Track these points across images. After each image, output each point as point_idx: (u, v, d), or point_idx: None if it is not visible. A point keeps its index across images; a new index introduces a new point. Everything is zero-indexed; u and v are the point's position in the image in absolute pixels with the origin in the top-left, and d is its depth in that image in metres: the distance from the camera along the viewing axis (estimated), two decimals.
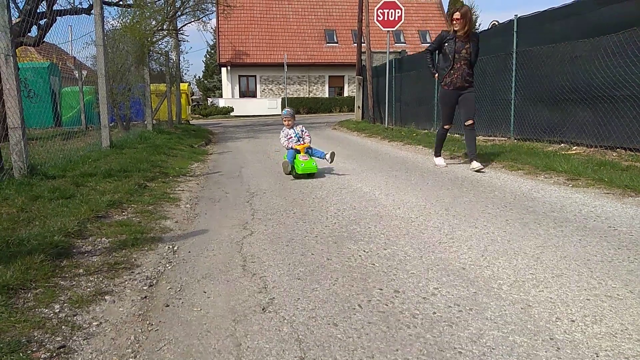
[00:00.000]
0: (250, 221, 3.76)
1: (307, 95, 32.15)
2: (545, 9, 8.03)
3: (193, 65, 43.72)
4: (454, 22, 6.00)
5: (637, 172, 4.88)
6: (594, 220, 3.44)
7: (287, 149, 5.94)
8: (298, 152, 5.78)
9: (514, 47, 8.58)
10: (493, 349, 1.75)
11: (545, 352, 1.71)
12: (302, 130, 6.08)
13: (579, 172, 5.19)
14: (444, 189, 4.83)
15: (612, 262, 2.59)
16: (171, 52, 15.25)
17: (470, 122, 6.02)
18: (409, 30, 33.26)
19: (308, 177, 5.66)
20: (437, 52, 6.35)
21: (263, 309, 2.15)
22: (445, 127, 6.43)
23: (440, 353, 1.73)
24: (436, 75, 6.35)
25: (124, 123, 10.89)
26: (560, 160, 5.94)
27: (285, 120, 6.06)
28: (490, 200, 4.24)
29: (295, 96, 31.53)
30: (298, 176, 5.68)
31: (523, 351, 1.72)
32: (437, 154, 6.67)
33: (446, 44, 6.02)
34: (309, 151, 5.88)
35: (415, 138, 10.21)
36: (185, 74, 40.11)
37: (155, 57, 13.23)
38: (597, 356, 1.67)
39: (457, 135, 10.17)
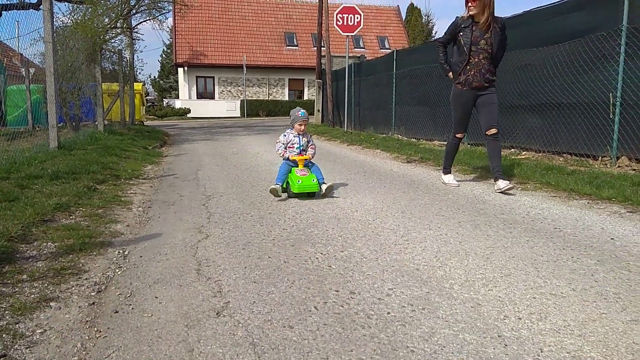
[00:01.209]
0: (205, 224, 3.69)
1: (267, 98, 32.01)
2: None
3: (148, 65, 42.94)
4: (470, 5, 4.73)
5: (581, 176, 5.14)
6: (541, 222, 3.59)
7: (282, 158, 4.79)
8: (295, 165, 4.65)
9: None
10: (444, 347, 1.79)
11: (494, 349, 1.77)
12: (309, 142, 4.85)
13: (528, 176, 5.41)
14: (401, 192, 4.92)
15: (557, 261, 2.71)
16: (125, 50, 14.82)
17: (493, 130, 4.88)
18: (368, 35, 33.76)
19: (307, 196, 4.55)
20: (451, 44, 5.08)
21: (217, 314, 2.12)
22: (458, 135, 5.24)
23: (393, 352, 1.76)
24: (450, 73, 5.08)
25: (74, 123, 10.46)
26: (510, 164, 6.17)
27: (298, 124, 4.73)
28: (444, 203, 4.35)
29: (254, 98, 31.32)
30: (294, 195, 4.57)
31: (472, 348, 1.77)
32: (447, 169, 5.41)
33: (461, 33, 4.78)
34: (309, 165, 4.75)
35: (373, 142, 10.34)
36: (140, 73, 39.02)
37: (108, 56, 12.80)
38: (542, 352, 1.74)
39: (440, 143, 10.38)
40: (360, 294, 2.30)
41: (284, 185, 4.68)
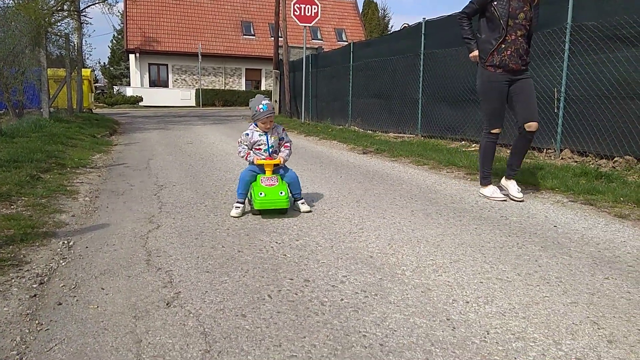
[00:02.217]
0: (157, 214, 3.59)
1: (223, 88, 31.44)
2: (451, 13, 8.53)
3: (97, 50, 41.12)
4: None
5: (526, 168, 5.35)
6: (489, 211, 3.72)
7: (248, 161, 3.66)
8: (261, 171, 3.60)
9: (422, 49, 9.03)
10: (395, 330, 1.82)
11: (442, 331, 1.82)
12: (282, 139, 3.74)
13: (477, 167, 5.57)
14: (356, 182, 4.96)
15: (503, 248, 2.81)
16: (72, 34, 14.12)
17: (533, 126, 4.03)
18: (325, 27, 33.73)
19: (278, 214, 3.51)
20: (477, 16, 4.11)
21: (167, 304, 2.06)
22: (494, 131, 4.16)
23: (345, 337, 1.77)
24: (474, 52, 4.11)
25: (17, 110, 9.91)
26: (461, 156, 6.36)
27: (261, 120, 3.56)
28: (398, 192, 4.43)
29: (210, 88, 30.68)
30: (257, 213, 3.52)
31: (422, 332, 1.81)
32: (486, 179, 4.28)
33: (495, 3, 3.87)
34: (281, 172, 3.65)
35: (330, 133, 10.38)
36: (88, 58, 37.38)
37: (54, 40, 12.16)
38: (488, 334, 1.81)
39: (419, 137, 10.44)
40: (315, 281, 2.31)
41: (252, 199, 3.55)
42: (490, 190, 4.21)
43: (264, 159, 3.59)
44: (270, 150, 3.63)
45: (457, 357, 1.64)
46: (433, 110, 8.86)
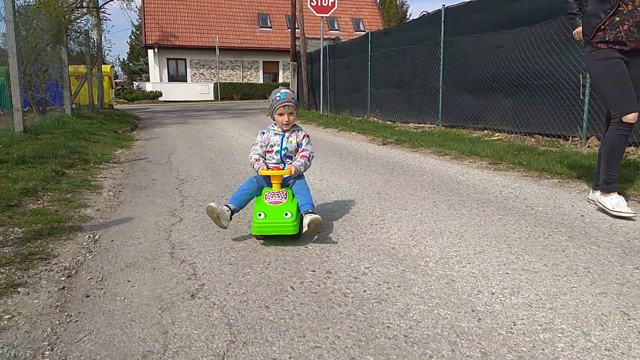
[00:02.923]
0: (179, 208, 3.63)
1: (241, 81, 31.55)
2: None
3: (116, 46, 41.68)
4: None
5: (552, 156, 5.25)
6: (513, 201, 3.66)
7: (255, 170, 2.92)
8: (268, 183, 2.89)
9: (442, 36, 8.89)
10: (419, 322, 1.81)
11: (467, 323, 1.80)
12: (299, 144, 2.96)
13: (501, 156, 5.50)
14: (376, 173, 4.93)
15: (529, 238, 2.76)
16: (91, 31, 14.32)
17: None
18: (342, 17, 33.49)
19: (285, 237, 2.76)
20: None
21: (192, 296, 2.09)
22: (628, 118, 3.08)
23: (369, 329, 1.76)
24: (578, 29, 3.39)
25: (40, 107, 10.11)
26: (483, 145, 6.26)
27: (278, 114, 2.90)
28: (419, 183, 4.38)
29: (228, 81, 30.83)
30: (260, 237, 2.81)
31: (447, 323, 1.80)
32: (610, 184, 3.29)
33: None
34: (290, 184, 2.91)
35: (349, 125, 10.33)
36: (108, 54, 37.87)
37: (74, 37, 12.35)
38: (515, 325, 1.78)
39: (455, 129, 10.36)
40: (337, 273, 2.30)
41: (252, 209, 2.85)
42: (614, 201, 3.18)
43: (271, 167, 2.85)
44: (283, 153, 2.87)
45: (483, 348, 1.62)
46: (454, 99, 8.73)
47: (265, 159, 2.91)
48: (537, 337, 1.69)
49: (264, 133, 2.95)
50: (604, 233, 2.82)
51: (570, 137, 6.30)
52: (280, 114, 2.86)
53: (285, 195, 2.76)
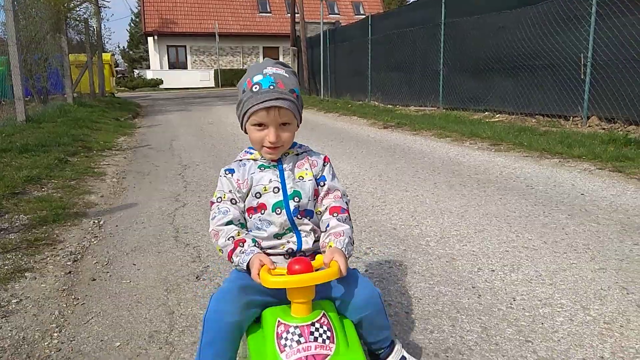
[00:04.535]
0: (182, 193, 3.65)
1: (242, 67, 31.38)
2: None
3: (116, 34, 41.34)
4: None
5: (553, 137, 5.24)
6: (514, 181, 3.67)
7: (234, 266, 1.21)
8: (281, 298, 1.13)
9: (442, 18, 8.81)
10: (420, 299, 1.84)
11: (468, 299, 1.82)
12: (321, 180, 1.31)
13: (501, 137, 5.49)
14: (377, 156, 4.94)
15: (529, 217, 2.78)
16: (91, 19, 14.23)
17: None
18: (342, 1, 33.13)
19: None
20: None
21: (197, 277, 2.12)
22: None
23: None
24: None
25: (42, 96, 10.10)
26: (484, 127, 6.25)
27: (257, 122, 1.23)
28: (420, 166, 4.39)
29: (228, 68, 30.67)
30: None
31: (447, 299, 1.82)
32: None
33: None
34: (331, 291, 1.19)
35: (350, 109, 10.30)
36: (108, 42, 37.67)
37: (74, 25, 12.29)
38: (514, 300, 1.80)
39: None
40: None
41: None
42: None
43: (283, 264, 1.15)
44: (294, 208, 1.27)
45: (483, 323, 1.65)
46: (455, 81, 8.69)
47: (249, 232, 1.27)
48: (536, 311, 1.71)
49: (231, 171, 1.30)
50: (604, 211, 2.83)
51: (571, 117, 6.28)
52: (258, 125, 1.24)
53: (331, 330, 1.09)
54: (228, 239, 1.20)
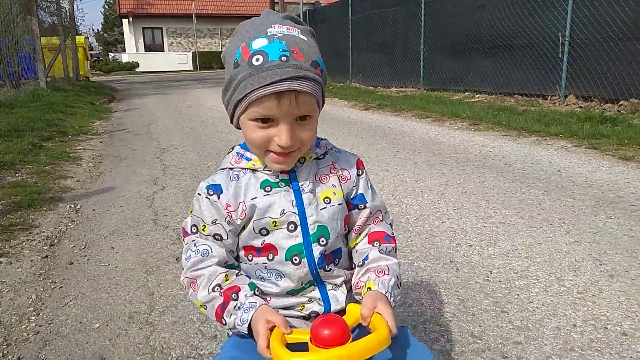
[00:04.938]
0: (161, 176, 3.61)
1: (220, 49, 30.87)
2: None
3: (90, 16, 40.14)
4: None
5: (531, 115, 5.30)
6: (492, 159, 3.71)
7: (227, 327, 0.83)
8: None
9: None
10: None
11: (446, 273, 1.85)
12: (357, 200, 0.90)
13: (481, 117, 5.54)
14: (359, 137, 4.94)
15: (506, 194, 2.82)
16: (63, 0, 13.79)
17: None
18: None
19: None
20: None
21: (177, 259, 2.11)
22: None
23: None
24: None
25: (13, 81, 9.81)
26: (464, 107, 6.29)
27: (261, 116, 0.77)
28: (401, 146, 4.41)
29: (207, 50, 30.14)
30: None
31: (427, 274, 1.85)
32: None
33: None
34: None
35: (331, 91, 10.25)
36: (81, 24, 36.60)
37: (45, 6, 11.90)
38: (491, 273, 1.84)
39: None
40: None
41: None
42: None
43: (302, 325, 0.86)
44: (319, 265, 0.85)
45: (460, 295, 1.68)
46: (435, 61, 8.69)
47: (243, 274, 0.88)
48: (512, 284, 1.75)
49: (217, 190, 0.86)
50: (579, 186, 2.89)
51: (549, 96, 6.35)
52: (261, 121, 0.79)
53: None
54: (213, 289, 0.82)
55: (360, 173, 0.92)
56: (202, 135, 5.38)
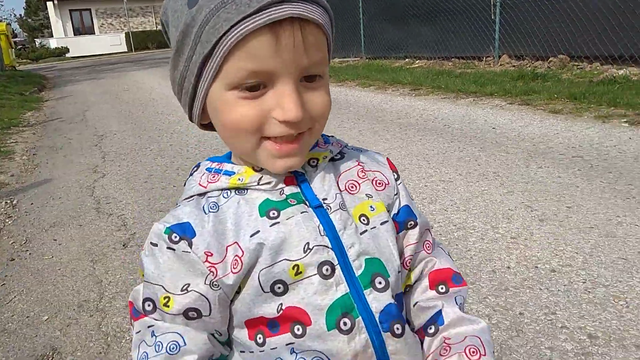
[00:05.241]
0: (101, 164, 3.49)
1: (155, 28, 29.60)
2: None
3: (10, 0, 37.22)
4: None
5: (468, 77, 5.48)
6: (432, 122, 3.83)
7: None
8: None
9: None
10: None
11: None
12: (409, 214, 0.60)
13: (421, 82, 5.67)
14: None
15: (445, 153, 2.94)
16: None
17: None
18: None
19: None
20: None
21: (124, 245, 2.08)
22: None
23: None
24: None
25: None
26: (405, 73, 6.40)
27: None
28: (345, 115, 4.46)
29: (140, 30, 28.82)
30: None
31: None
32: None
33: None
34: None
35: None
36: (0, 9, 33.96)
37: None
38: (432, 228, 1.93)
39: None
40: None
41: None
42: None
43: None
44: (385, 327, 0.52)
45: None
46: (375, 30, 8.75)
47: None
48: (452, 235, 1.85)
49: (186, 231, 0.52)
50: (512, 141, 3.05)
51: (484, 58, 6.57)
52: (247, 90, 0.48)
53: None
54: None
55: (397, 177, 0.61)
56: (142, 119, 5.22)
